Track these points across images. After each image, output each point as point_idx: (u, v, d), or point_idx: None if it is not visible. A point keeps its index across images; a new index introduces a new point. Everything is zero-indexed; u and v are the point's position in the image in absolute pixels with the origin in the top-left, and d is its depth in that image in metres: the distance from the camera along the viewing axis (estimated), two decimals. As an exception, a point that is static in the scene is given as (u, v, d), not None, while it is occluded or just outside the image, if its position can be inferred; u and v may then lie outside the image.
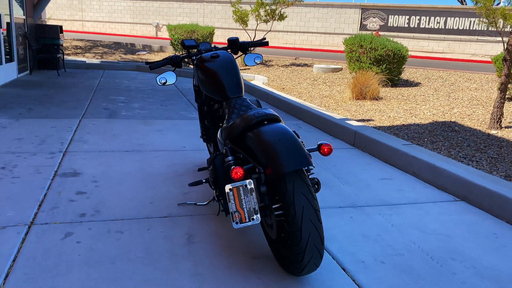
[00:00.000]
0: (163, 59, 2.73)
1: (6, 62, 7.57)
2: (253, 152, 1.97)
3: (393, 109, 6.57)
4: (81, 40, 15.76)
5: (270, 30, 14.37)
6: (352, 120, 5.60)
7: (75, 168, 3.36)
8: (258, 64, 2.97)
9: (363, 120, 5.88)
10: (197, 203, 2.79)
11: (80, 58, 11.78)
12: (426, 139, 4.81)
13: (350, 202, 3.05)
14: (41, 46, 9.27)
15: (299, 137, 2.26)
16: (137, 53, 13.95)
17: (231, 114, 2.33)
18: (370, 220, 2.75)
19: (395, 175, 3.73)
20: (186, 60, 2.85)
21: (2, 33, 7.35)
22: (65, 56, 11.56)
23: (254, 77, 10.40)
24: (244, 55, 2.96)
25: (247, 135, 2.03)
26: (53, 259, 2.05)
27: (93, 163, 3.52)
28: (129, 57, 13.20)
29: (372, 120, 5.94)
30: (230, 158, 2.09)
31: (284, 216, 1.88)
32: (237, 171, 1.87)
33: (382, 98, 7.46)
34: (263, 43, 2.97)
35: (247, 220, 1.87)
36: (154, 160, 3.71)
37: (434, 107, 6.56)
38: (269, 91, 7.71)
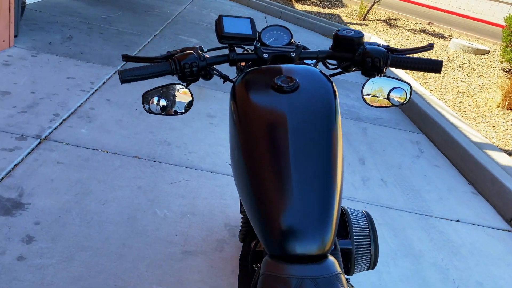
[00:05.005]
0: (155, 64, 1.11)
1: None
2: None
3: None
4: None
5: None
6: (502, 152, 3.57)
7: (26, 189, 1.97)
8: (400, 105, 1.21)
9: (520, 157, 3.81)
10: None
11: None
12: None
13: None
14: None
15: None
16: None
17: None
18: None
19: None
20: (215, 70, 1.19)
21: None
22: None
23: (370, 38, 8.27)
24: (370, 77, 1.20)
25: None
26: None
27: (64, 179, 2.10)
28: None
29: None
30: None
31: None
32: None
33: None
34: (422, 48, 1.15)
35: None
36: (167, 192, 2.21)
37: None
38: (385, 69, 5.69)
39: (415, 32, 9.09)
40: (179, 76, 1.12)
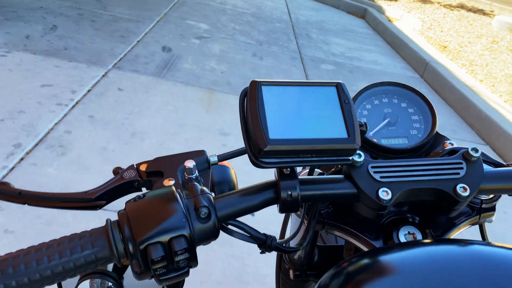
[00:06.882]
0: (69, 236, 0.38)
1: None
2: None
3: None
4: None
5: None
6: None
7: None
8: None
9: None
10: None
11: None
12: None
13: None
14: None
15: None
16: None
17: None
18: None
19: None
20: (239, 226, 0.47)
21: None
22: None
23: (402, 16, 7.35)
24: None
25: None
26: None
27: None
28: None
29: None
30: None
31: None
32: None
33: None
34: None
35: None
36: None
37: None
38: (426, 55, 4.85)
39: (452, 8, 8.11)
40: (137, 273, 0.40)
